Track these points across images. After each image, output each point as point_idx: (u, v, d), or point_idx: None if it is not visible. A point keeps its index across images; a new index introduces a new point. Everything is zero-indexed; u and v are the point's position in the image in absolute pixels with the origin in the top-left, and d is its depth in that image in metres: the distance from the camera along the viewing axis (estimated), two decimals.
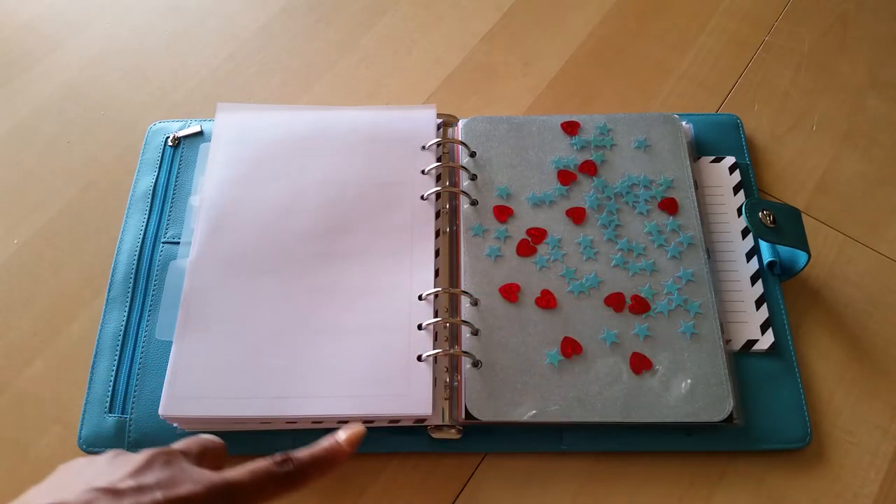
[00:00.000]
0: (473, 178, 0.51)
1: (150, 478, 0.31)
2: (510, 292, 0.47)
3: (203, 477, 0.32)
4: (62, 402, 0.47)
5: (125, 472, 0.31)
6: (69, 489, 0.30)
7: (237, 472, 0.33)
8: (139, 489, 0.30)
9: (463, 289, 0.47)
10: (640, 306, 0.46)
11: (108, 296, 0.50)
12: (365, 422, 0.44)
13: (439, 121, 0.54)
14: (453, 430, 0.44)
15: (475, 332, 0.45)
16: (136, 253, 0.51)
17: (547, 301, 0.46)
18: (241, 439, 0.45)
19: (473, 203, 0.50)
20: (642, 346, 0.45)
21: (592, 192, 0.50)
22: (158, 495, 0.30)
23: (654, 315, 0.46)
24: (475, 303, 0.47)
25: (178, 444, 0.35)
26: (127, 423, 0.45)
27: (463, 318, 0.46)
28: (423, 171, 0.52)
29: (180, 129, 0.56)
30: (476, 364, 0.44)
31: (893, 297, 0.50)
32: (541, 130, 0.53)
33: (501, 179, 0.51)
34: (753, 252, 0.50)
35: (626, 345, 0.45)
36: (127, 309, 0.49)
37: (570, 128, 0.53)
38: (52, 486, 0.32)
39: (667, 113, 0.54)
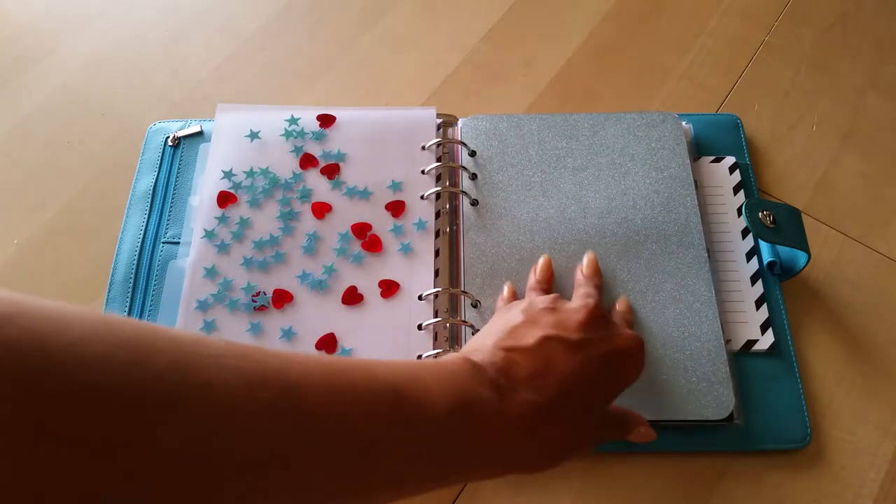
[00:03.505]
0: (474, 177, 0.51)
1: (593, 333, 0.37)
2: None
3: (630, 335, 0.39)
4: None
5: (574, 325, 0.37)
6: (525, 335, 0.36)
7: None
8: (588, 342, 0.36)
9: (463, 289, 0.47)
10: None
11: (108, 296, 0.50)
12: None
13: (439, 121, 0.54)
14: None
15: (476, 332, 0.45)
16: (136, 253, 0.51)
17: None
18: None
19: (474, 203, 0.50)
20: None
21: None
22: (604, 347, 0.37)
23: (653, 314, 0.46)
24: (475, 304, 0.47)
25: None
26: None
27: (463, 319, 0.46)
28: (422, 171, 0.52)
29: (180, 129, 0.56)
30: None
31: (893, 297, 0.50)
32: (541, 128, 0.53)
33: (502, 178, 0.51)
34: (753, 252, 0.50)
35: None
36: (127, 309, 0.49)
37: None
38: (498, 325, 0.38)
39: (667, 112, 0.54)
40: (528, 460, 0.34)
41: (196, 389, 0.23)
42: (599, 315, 0.39)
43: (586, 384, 0.35)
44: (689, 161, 0.51)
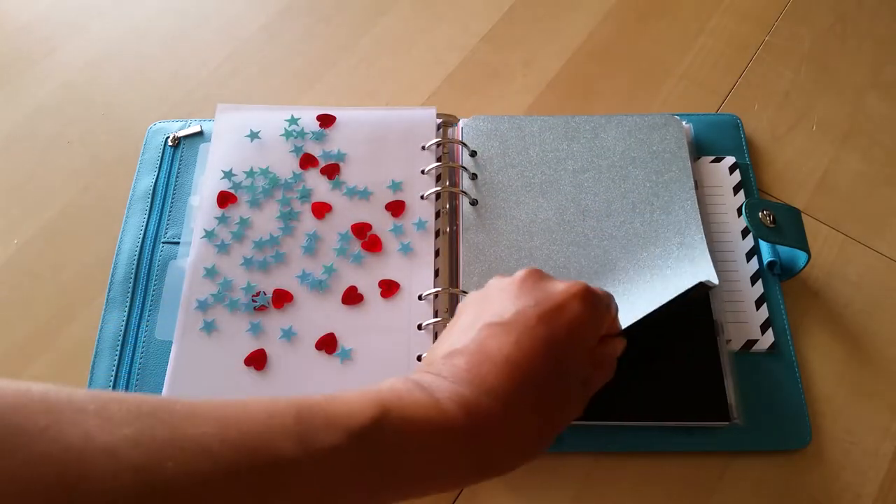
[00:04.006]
0: (474, 177, 0.51)
1: (525, 302, 0.35)
2: None
3: (565, 284, 0.36)
4: None
5: (501, 303, 0.35)
6: (462, 336, 0.34)
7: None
8: (519, 315, 0.34)
9: (462, 289, 0.47)
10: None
11: (108, 296, 0.50)
12: None
13: (439, 121, 0.54)
14: None
15: None
16: (136, 253, 0.51)
17: None
18: None
19: (473, 203, 0.50)
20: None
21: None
22: (537, 311, 0.34)
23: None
24: None
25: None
26: None
27: None
28: (422, 171, 0.52)
29: (180, 129, 0.56)
30: None
31: (893, 297, 0.50)
32: (542, 130, 0.53)
33: (502, 178, 0.51)
34: (753, 252, 0.50)
35: None
36: (127, 309, 0.49)
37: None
38: (451, 328, 0.36)
39: (667, 113, 0.54)
40: (497, 459, 0.31)
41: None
42: (530, 281, 0.36)
43: (531, 360, 0.32)
44: (690, 165, 0.51)
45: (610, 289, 0.46)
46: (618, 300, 0.45)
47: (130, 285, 0.50)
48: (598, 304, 0.36)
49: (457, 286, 0.48)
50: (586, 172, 0.51)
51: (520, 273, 0.37)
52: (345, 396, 0.29)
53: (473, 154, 0.52)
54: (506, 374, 0.32)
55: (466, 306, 0.37)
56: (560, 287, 0.36)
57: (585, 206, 0.50)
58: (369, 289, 0.48)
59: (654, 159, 0.52)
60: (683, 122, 0.54)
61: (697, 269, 0.45)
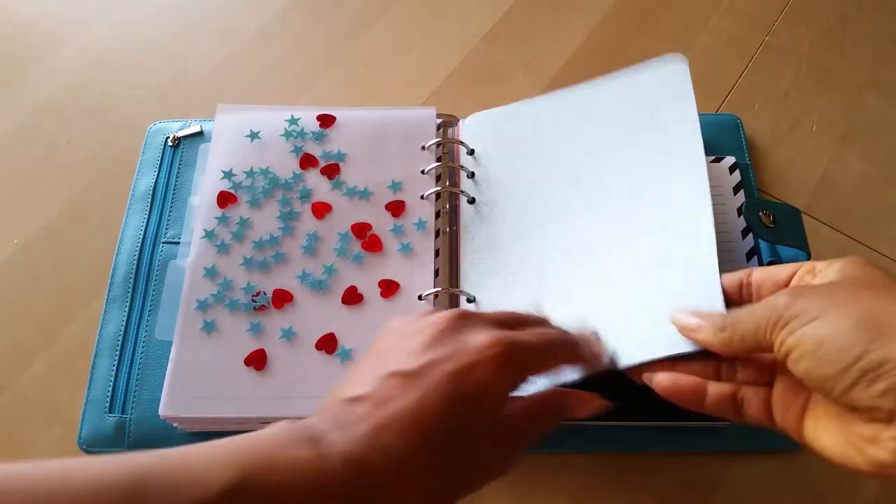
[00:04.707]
0: (471, 175, 0.51)
1: (440, 352, 0.31)
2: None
3: (486, 336, 0.32)
4: (62, 402, 0.47)
5: (411, 349, 0.31)
6: (368, 380, 0.31)
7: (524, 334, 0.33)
8: (429, 367, 0.30)
9: (461, 288, 0.47)
10: None
11: (108, 296, 0.50)
12: None
13: (439, 121, 0.54)
14: None
15: None
16: (136, 253, 0.51)
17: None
18: None
19: (471, 201, 0.50)
20: None
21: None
22: (448, 367, 0.30)
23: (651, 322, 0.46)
24: (472, 300, 0.46)
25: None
26: (127, 423, 0.45)
27: None
28: (422, 171, 0.52)
29: (180, 129, 0.56)
30: None
31: None
32: (536, 112, 0.52)
33: (498, 174, 0.51)
34: (753, 252, 0.50)
35: None
36: (127, 309, 0.49)
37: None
38: (363, 363, 0.33)
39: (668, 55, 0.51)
40: None
41: None
42: (451, 329, 0.32)
43: (435, 419, 0.29)
44: (700, 139, 0.44)
45: (607, 290, 0.44)
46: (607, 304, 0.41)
47: (130, 285, 0.50)
48: (515, 368, 0.32)
49: (457, 286, 0.48)
50: (584, 154, 0.48)
51: (442, 317, 0.33)
52: (200, 458, 0.25)
53: (472, 152, 0.52)
54: (405, 431, 0.29)
55: (384, 337, 0.34)
56: (479, 341, 0.31)
57: (584, 192, 0.47)
58: (369, 289, 0.48)
59: (655, 126, 0.46)
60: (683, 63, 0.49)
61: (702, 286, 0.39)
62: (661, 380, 0.35)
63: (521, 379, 0.32)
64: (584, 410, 0.35)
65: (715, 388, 0.34)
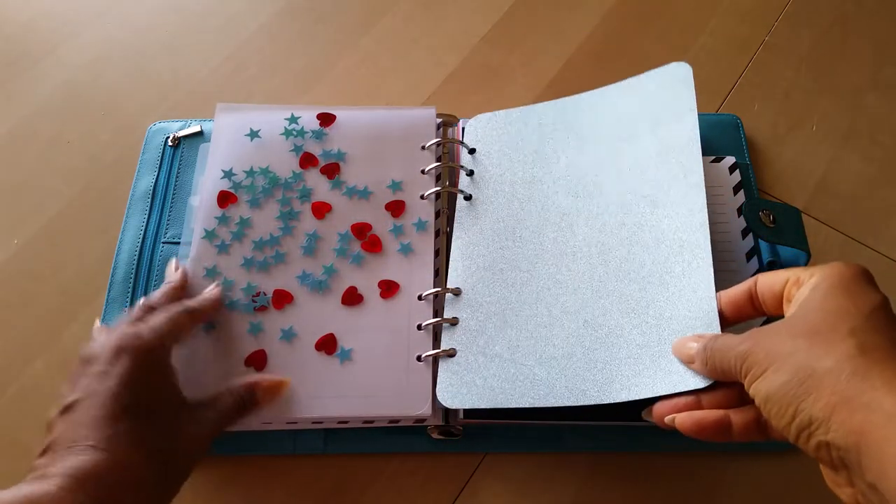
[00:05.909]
0: (470, 174, 0.51)
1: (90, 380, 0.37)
2: None
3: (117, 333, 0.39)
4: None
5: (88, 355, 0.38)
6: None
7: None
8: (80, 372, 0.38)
9: (450, 285, 0.47)
10: None
11: (108, 296, 0.50)
12: (365, 422, 0.44)
13: (439, 121, 0.54)
14: (452, 431, 0.44)
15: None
16: (136, 253, 0.51)
17: None
18: (240, 439, 0.45)
19: (468, 198, 0.50)
20: None
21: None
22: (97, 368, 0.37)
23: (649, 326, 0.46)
24: (457, 293, 0.46)
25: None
26: None
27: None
28: (422, 171, 0.52)
29: (180, 129, 0.56)
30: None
31: (894, 297, 0.50)
32: (539, 117, 0.52)
33: (497, 172, 0.51)
34: (753, 252, 0.50)
35: None
36: (127, 309, 0.49)
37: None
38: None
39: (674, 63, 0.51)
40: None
41: None
42: (84, 360, 0.38)
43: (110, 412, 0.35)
44: (698, 140, 0.45)
45: (601, 300, 0.45)
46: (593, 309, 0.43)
47: (130, 285, 0.50)
48: (136, 351, 0.38)
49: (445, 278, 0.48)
50: (585, 162, 0.49)
51: (109, 348, 0.38)
52: None
53: (472, 151, 0.52)
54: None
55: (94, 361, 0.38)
56: (100, 345, 0.38)
57: (582, 200, 0.48)
58: (369, 289, 0.48)
59: (655, 134, 0.47)
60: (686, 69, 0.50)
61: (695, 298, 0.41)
62: (683, 420, 0.36)
63: (157, 348, 0.39)
64: (268, 395, 0.42)
65: (738, 418, 0.35)
